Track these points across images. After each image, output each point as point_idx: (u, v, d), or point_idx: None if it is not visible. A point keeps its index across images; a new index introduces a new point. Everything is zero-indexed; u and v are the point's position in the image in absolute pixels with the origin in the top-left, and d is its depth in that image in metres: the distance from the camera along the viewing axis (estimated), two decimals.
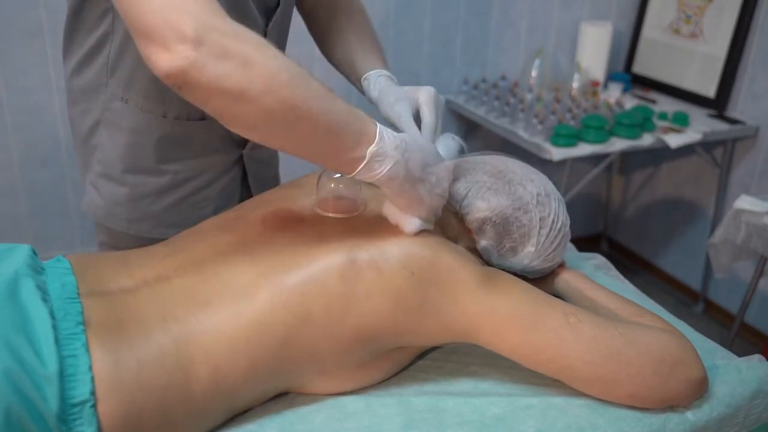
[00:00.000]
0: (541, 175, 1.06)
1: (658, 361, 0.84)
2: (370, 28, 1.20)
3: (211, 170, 1.11)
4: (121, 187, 1.07)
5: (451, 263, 0.87)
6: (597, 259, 1.28)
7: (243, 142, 1.15)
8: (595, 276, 1.18)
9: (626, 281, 1.23)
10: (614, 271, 1.25)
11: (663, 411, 0.86)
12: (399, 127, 0.97)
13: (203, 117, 1.06)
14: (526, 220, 0.98)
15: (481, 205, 0.98)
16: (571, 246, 1.27)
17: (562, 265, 1.09)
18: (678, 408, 0.87)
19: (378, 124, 0.83)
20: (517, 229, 0.98)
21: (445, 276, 0.86)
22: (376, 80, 1.08)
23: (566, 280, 1.05)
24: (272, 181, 1.27)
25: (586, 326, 0.85)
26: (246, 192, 1.20)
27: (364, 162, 0.80)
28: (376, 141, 0.80)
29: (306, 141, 0.78)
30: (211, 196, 1.12)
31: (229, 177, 1.14)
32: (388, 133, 0.82)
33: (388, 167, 0.81)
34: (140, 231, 1.09)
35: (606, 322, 0.87)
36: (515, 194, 0.99)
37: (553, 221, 1.00)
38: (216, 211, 1.12)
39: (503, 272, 0.91)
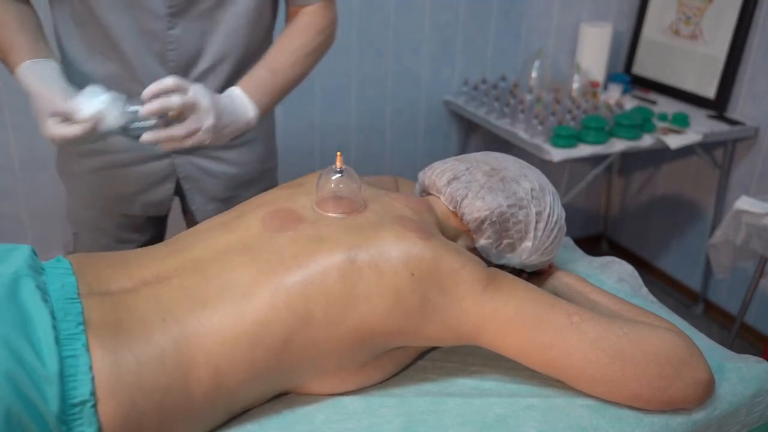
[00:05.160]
0: (534, 169, 1.07)
1: (664, 361, 0.84)
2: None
3: None
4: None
5: (452, 264, 0.86)
6: (621, 265, 1.23)
7: None
8: (616, 290, 1.15)
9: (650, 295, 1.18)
10: (644, 289, 1.19)
11: (665, 411, 0.86)
12: None
13: None
14: (522, 216, 0.99)
15: (478, 205, 0.99)
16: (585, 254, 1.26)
17: (558, 269, 1.09)
18: (681, 410, 0.87)
19: None
20: (514, 225, 0.99)
21: (445, 277, 0.86)
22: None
23: (567, 283, 1.06)
24: None
25: (589, 326, 0.85)
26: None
27: None
28: None
29: None
30: None
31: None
32: None
33: None
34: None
35: (610, 322, 0.86)
36: (511, 191, 1.00)
37: (548, 215, 1.01)
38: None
39: (505, 273, 0.91)
